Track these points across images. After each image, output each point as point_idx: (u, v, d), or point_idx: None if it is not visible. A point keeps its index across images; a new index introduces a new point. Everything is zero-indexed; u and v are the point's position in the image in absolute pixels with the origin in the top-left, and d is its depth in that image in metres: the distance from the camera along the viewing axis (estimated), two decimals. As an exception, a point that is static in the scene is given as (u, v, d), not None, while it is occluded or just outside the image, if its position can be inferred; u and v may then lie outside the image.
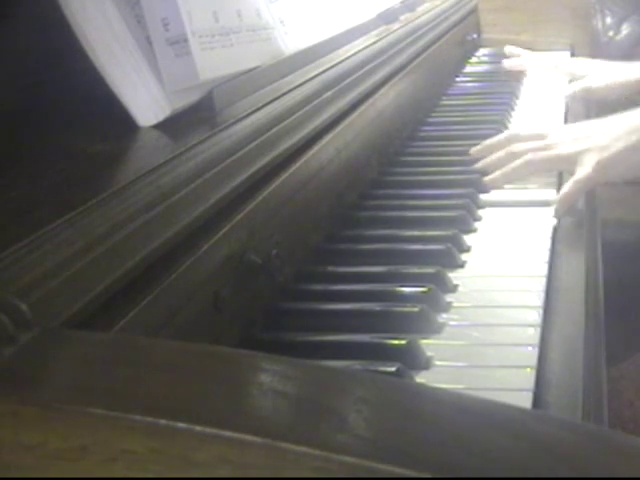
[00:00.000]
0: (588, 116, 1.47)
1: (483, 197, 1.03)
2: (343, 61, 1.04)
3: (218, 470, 0.35)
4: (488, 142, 1.13)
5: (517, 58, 1.76)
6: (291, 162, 0.81)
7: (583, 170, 0.98)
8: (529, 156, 1.02)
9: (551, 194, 1.01)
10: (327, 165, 0.91)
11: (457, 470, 0.34)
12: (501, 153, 1.07)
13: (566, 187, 0.98)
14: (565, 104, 1.48)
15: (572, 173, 1.00)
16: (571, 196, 0.97)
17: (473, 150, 1.13)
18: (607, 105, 1.52)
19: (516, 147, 1.06)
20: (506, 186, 1.05)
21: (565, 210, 0.96)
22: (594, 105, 1.50)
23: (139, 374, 0.40)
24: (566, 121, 1.40)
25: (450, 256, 0.84)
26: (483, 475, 0.34)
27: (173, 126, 0.72)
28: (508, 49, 1.79)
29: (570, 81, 1.55)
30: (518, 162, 1.03)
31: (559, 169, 1.06)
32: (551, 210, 0.96)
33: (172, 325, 0.57)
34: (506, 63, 1.75)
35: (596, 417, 0.63)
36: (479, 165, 1.09)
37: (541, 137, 1.07)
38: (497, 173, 1.05)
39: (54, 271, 0.47)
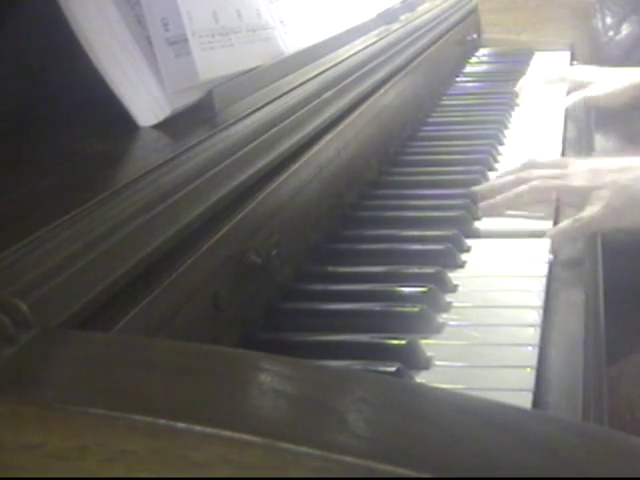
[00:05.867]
0: (588, 116, 1.47)
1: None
2: (343, 61, 1.04)
3: (218, 470, 0.35)
4: (501, 173, 1.04)
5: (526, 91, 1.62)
6: (291, 162, 0.81)
7: (591, 210, 0.89)
8: (536, 182, 0.94)
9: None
10: (327, 165, 0.91)
11: (457, 470, 0.34)
12: (510, 177, 0.98)
13: (565, 223, 0.89)
14: (565, 104, 1.48)
15: (580, 210, 0.90)
16: (567, 234, 0.88)
17: (482, 187, 1.01)
18: (610, 110, 1.52)
19: (528, 173, 0.97)
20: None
21: (558, 245, 0.86)
22: (593, 108, 1.51)
23: (139, 374, 0.40)
24: (566, 121, 1.40)
25: (450, 256, 0.84)
26: (483, 475, 0.34)
27: (173, 126, 0.72)
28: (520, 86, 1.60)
29: (571, 89, 1.54)
30: (522, 187, 0.94)
31: (567, 202, 0.96)
32: (550, 211, 0.95)
33: (172, 325, 0.57)
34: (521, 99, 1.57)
35: (596, 417, 0.63)
36: (480, 188, 1.00)
37: (559, 166, 0.98)
38: (497, 198, 0.96)
39: (54, 271, 0.47)
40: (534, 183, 0.94)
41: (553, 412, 0.59)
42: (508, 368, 0.64)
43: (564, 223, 0.89)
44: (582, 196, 0.91)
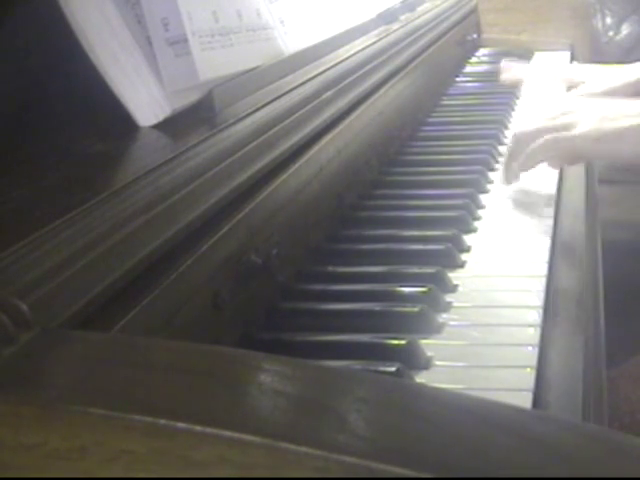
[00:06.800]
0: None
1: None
2: (343, 61, 1.04)
3: (218, 470, 0.35)
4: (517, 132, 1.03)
5: (514, 70, 1.68)
6: (291, 162, 0.81)
7: (579, 129, 0.90)
8: (545, 138, 0.94)
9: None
10: (327, 165, 0.91)
11: (457, 470, 0.34)
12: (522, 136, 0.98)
13: (543, 140, 0.90)
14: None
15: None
16: (543, 147, 0.90)
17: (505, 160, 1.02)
18: None
19: (537, 131, 0.96)
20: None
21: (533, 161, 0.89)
22: None
23: (139, 374, 0.40)
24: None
25: (450, 256, 0.84)
26: (483, 475, 0.34)
27: (173, 126, 0.72)
28: (503, 64, 1.71)
29: (569, 88, 1.54)
30: (532, 146, 0.94)
31: (580, 152, 0.96)
32: (550, 211, 0.96)
33: (172, 325, 0.57)
34: (503, 76, 1.68)
35: (596, 417, 0.63)
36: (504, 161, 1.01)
37: (568, 112, 0.97)
38: (512, 163, 0.97)
39: (54, 271, 0.47)
40: (541, 141, 0.95)
41: (553, 412, 0.59)
42: (508, 368, 0.64)
43: (541, 140, 0.90)
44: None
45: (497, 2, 2.03)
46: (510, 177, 1.01)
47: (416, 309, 0.71)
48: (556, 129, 0.95)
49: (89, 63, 0.70)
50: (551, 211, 0.96)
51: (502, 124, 1.36)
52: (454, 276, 0.80)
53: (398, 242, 0.88)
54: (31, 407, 0.37)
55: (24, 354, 0.41)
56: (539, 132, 0.96)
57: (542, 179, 1.04)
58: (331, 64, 1.00)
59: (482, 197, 1.02)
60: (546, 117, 0.98)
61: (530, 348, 0.66)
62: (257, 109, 0.79)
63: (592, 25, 2.15)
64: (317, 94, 0.92)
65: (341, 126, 0.96)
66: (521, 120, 1.42)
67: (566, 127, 0.94)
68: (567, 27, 1.99)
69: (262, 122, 0.78)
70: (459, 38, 1.82)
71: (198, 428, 0.35)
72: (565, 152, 0.94)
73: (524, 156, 0.97)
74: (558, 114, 0.97)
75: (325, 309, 0.74)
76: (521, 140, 0.99)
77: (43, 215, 0.52)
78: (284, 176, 0.78)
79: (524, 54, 1.91)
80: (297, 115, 0.85)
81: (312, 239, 0.86)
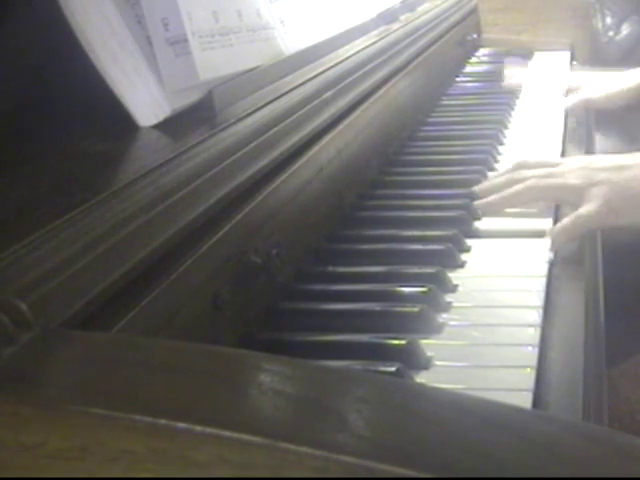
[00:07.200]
0: (588, 117, 1.47)
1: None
2: (343, 61, 1.04)
3: (218, 470, 0.35)
4: (494, 174, 1.04)
5: (515, 76, 1.67)
6: (291, 162, 0.81)
7: (588, 207, 0.88)
8: (532, 181, 0.94)
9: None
10: (327, 165, 0.91)
11: (457, 470, 0.34)
12: (502, 179, 0.99)
13: (566, 220, 0.88)
14: (564, 105, 1.48)
15: (576, 207, 0.90)
16: (569, 232, 0.87)
17: (479, 188, 1.01)
18: (607, 113, 1.52)
19: (519, 174, 0.97)
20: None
21: (560, 244, 0.86)
22: (593, 110, 1.51)
23: (139, 374, 0.40)
24: (566, 121, 1.40)
25: (450, 256, 0.84)
26: (483, 475, 0.34)
27: (173, 126, 0.72)
28: (506, 63, 1.71)
29: (567, 93, 1.54)
30: (519, 186, 0.94)
31: (563, 200, 0.95)
32: (550, 211, 0.95)
33: (172, 325, 0.57)
34: (505, 83, 1.67)
35: (596, 417, 0.63)
36: (478, 188, 1.00)
37: (551, 165, 0.99)
38: (494, 196, 0.96)
39: (54, 271, 0.47)
40: (529, 182, 0.95)
41: (553, 412, 0.59)
42: (508, 368, 0.64)
43: (565, 221, 0.88)
44: (578, 194, 0.91)
45: (497, 2, 2.03)
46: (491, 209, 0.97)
47: (416, 309, 0.71)
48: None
49: (89, 63, 0.70)
50: (551, 211, 0.96)
51: (502, 124, 1.36)
52: (454, 276, 0.80)
53: (398, 242, 0.88)
54: (31, 407, 0.37)
55: (24, 354, 0.41)
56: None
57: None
58: (331, 64, 1.00)
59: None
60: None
61: (530, 348, 0.66)
62: (257, 109, 0.79)
63: (592, 25, 2.15)
64: (317, 94, 0.92)
65: (341, 126, 0.96)
66: (521, 120, 1.42)
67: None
68: (567, 27, 1.99)
69: (262, 122, 0.78)
70: (459, 38, 1.82)
71: (198, 428, 0.35)
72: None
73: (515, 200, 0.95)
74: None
75: (325, 309, 0.74)
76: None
77: (43, 215, 0.52)
78: (284, 176, 0.78)
79: (524, 54, 1.92)
80: (297, 115, 0.85)
81: (312, 239, 0.86)
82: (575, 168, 0.95)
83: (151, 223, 0.57)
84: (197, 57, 0.73)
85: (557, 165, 0.98)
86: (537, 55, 1.93)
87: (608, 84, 1.49)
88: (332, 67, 1.00)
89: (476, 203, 0.96)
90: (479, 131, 1.32)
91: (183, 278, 0.58)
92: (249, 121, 0.76)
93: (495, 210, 0.96)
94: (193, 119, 0.74)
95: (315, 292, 0.78)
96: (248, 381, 0.40)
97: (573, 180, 0.93)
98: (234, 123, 0.74)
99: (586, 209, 0.89)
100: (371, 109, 1.10)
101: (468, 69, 1.82)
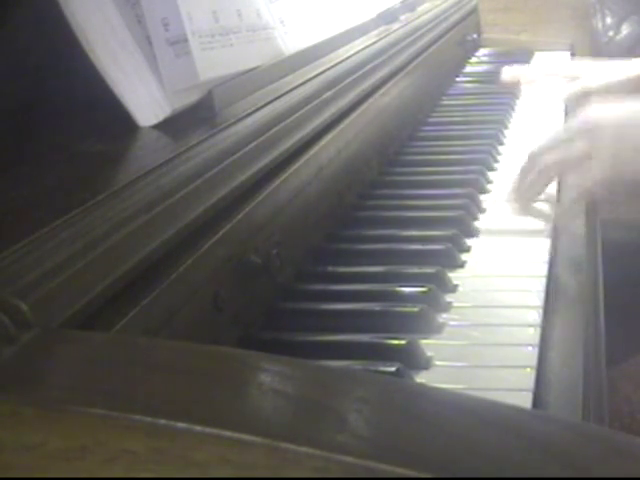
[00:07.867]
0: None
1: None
2: (343, 61, 1.04)
3: (218, 470, 0.35)
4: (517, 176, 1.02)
5: (514, 71, 1.67)
6: (291, 162, 0.81)
7: (589, 170, 0.88)
8: (539, 166, 0.92)
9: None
10: (327, 165, 0.91)
11: (457, 470, 0.34)
12: (518, 177, 0.96)
13: (569, 195, 0.88)
14: (565, 104, 1.48)
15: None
16: (574, 203, 0.88)
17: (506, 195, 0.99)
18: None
19: (531, 162, 0.94)
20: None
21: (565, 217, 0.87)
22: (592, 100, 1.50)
23: (139, 374, 0.40)
24: (566, 121, 1.40)
25: (450, 256, 0.84)
26: (483, 475, 0.34)
27: (173, 126, 0.72)
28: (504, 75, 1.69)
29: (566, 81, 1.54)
30: (531, 176, 0.93)
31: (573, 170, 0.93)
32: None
33: (172, 325, 0.57)
34: (502, 77, 1.67)
35: (596, 417, 0.63)
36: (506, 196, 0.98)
37: (561, 138, 0.95)
38: (515, 195, 0.95)
39: (54, 271, 0.47)
40: (538, 168, 0.93)
41: (553, 412, 0.59)
42: (508, 368, 0.64)
43: (568, 197, 0.88)
44: (586, 158, 0.89)
45: (497, 2, 2.03)
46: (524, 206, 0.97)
47: (416, 309, 0.71)
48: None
49: (89, 63, 0.70)
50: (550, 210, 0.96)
51: (502, 124, 1.36)
52: (454, 276, 0.80)
53: (398, 242, 0.88)
54: (31, 407, 0.37)
55: (24, 354, 0.41)
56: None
57: None
58: (331, 64, 1.00)
59: (482, 197, 1.02)
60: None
61: (530, 348, 0.66)
62: (257, 109, 0.79)
63: (592, 25, 2.15)
64: (317, 94, 0.92)
65: (341, 126, 0.96)
66: (521, 120, 1.42)
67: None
68: (567, 27, 1.99)
69: (262, 122, 0.78)
70: (459, 38, 1.82)
71: (198, 428, 0.35)
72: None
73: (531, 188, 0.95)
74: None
75: (325, 309, 0.74)
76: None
77: (43, 215, 0.52)
78: (284, 176, 0.78)
79: (524, 54, 1.91)
80: (297, 115, 0.85)
81: (312, 239, 0.86)
82: (582, 132, 0.92)
83: (151, 223, 0.57)
84: (197, 57, 0.73)
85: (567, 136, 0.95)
86: (537, 55, 1.93)
87: (608, 73, 1.48)
88: (332, 67, 1.00)
89: (510, 207, 0.96)
90: (479, 131, 1.32)
91: (183, 278, 0.58)
92: (249, 121, 0.76)
93: (524, 207, 0.95)
94: (193, 119, 0.74)
95: (315, 292, 0.78)
96: (248, 381, 0.40)
97: (578, 148, 0.90)
98: (234, 123, 0.74)
99: (588, 172, 0.88)
100: (371, 109, 1.10)
101: (468, 69, 1.82)
